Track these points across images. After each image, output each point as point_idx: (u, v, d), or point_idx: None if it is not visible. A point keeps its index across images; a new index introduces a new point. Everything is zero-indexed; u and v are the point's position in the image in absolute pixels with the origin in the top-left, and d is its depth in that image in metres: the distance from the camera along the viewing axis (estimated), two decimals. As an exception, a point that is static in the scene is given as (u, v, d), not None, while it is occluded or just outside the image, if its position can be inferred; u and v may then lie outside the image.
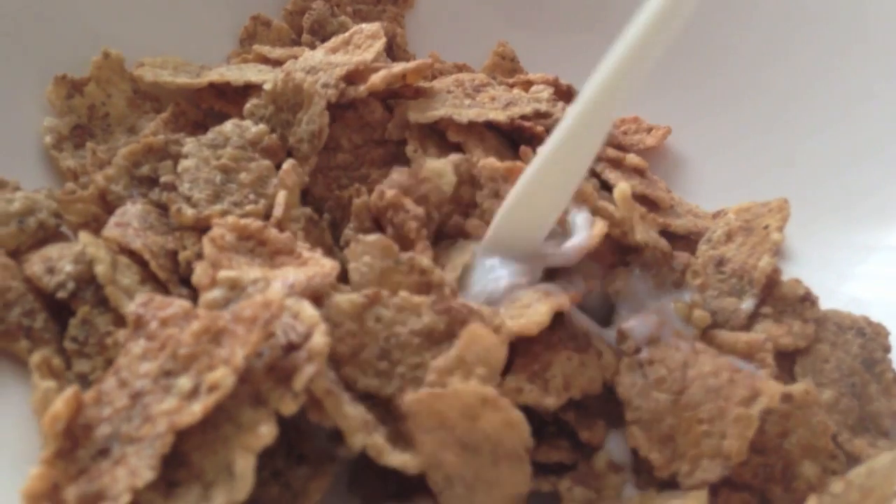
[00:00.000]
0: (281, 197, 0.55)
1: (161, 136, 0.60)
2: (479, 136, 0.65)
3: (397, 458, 0.43)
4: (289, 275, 0.47)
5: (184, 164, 0.57)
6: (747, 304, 0.58)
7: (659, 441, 0.50)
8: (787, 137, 0.74)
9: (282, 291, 0.44)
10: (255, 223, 0.51)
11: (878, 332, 0.59)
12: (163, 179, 0.57)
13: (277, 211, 0.54)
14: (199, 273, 0.47)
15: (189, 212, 0.54)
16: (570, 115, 0.48)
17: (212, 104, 0.67)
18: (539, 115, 0.68)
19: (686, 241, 0.67)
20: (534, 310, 0.51)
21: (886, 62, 0.72)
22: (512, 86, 0.76)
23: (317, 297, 0.48)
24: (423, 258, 0.53)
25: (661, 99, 0.75)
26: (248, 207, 0.56)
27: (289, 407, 0.41)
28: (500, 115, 0.66)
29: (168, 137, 0.60)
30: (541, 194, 0.53)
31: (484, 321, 0.50)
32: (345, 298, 0.49)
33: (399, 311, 0.49)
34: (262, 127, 0.61)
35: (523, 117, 0.67)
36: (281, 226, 0.54)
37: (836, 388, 0.56)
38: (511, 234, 0.55)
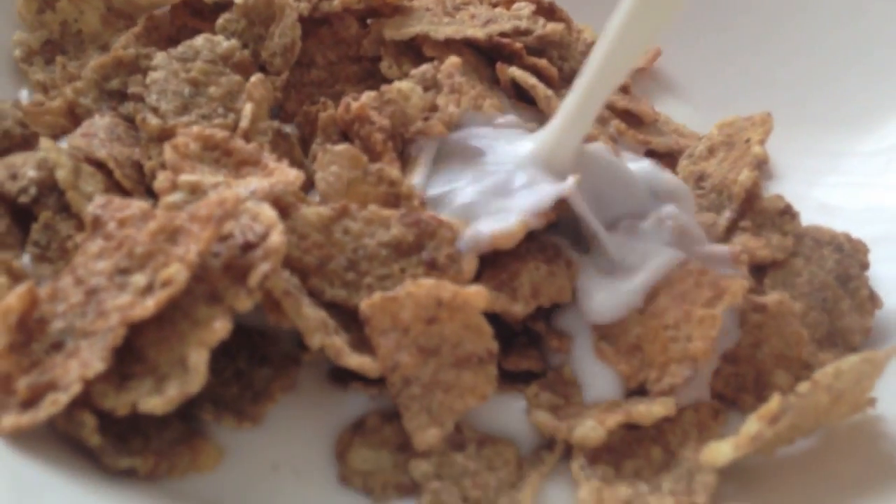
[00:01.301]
0: (247, 109, 0.54)
1: (132, 49, 0.59)
2: (456, 53, 0.64)
3: (356, 360, 0.43)
4: (251, 182, 0.47)
5: (152, 76, 0.56)
6: (725, 218, 0.57)
7: (626, 352, 0.50)
8: (770, 53, 0.73)
9: (241, 192, 0.44)
10: (220, 133, 0.51)
11: (857, 249, 0.57)
12: (130, 90, 0.56)
13: (244, 122, 0.54)
14: (161, 179, 0.47)
15: (154, 121, 0.53)
16: (605, 42, 0.51)
17: (185, 21, 0.66)
18: (518, 32, 0.67)
19: (669, 158, 0.65)
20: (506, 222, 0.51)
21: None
22: (495, 5, 0.74)
23: (282, 208, 0.48)
24: (392, 169, 0.52)
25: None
26: (217, 121, 0.55)
27: (243, 303, 0.41)
28: (478, 32, 0.65)
29: (139, 51, 0.59)
30: (579, 115, 0.54)
31: (455, 231, 0.49)
32: (312, 211, 0.48)
33: (367, 224, 0.49)
34: (233, 42, 0.60)
35: (502, 34, 0.66)
36: (247, 138, 0.53)
37: (805, 301, 0.55)
38: (552, 152, 0.55)
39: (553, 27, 0.68)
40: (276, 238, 0.42)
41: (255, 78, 0.57)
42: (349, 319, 0.47)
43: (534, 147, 0.55)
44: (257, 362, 0.46)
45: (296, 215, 0.48)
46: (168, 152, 0.48)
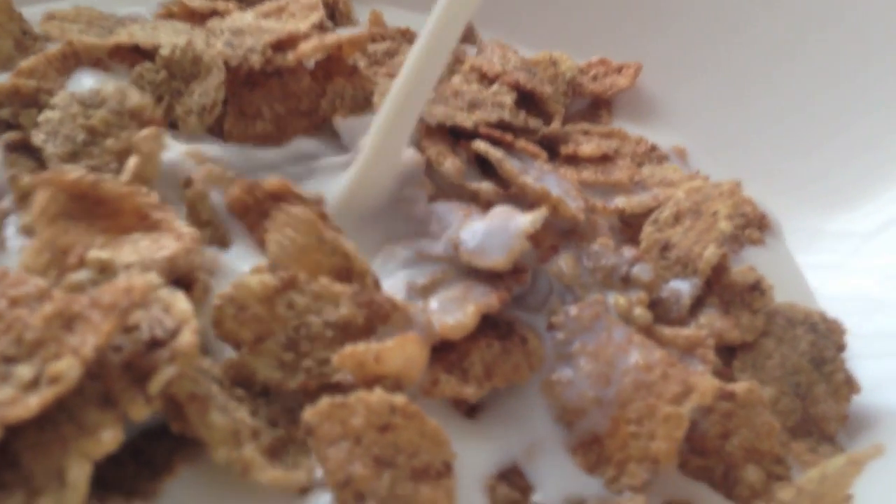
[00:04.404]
0: (131, 162, 0.49)
1: (33, 81, 0.55)
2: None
3: (269, 475, 0.38)
4: (142, 249, 0.42)
5: (47, 114, 0.52)
6: (690, 294, 0.53)
7: (584, 443, 0.46)
8: (755, 103, 0.70)
9: (153, 279, 0.39)
10: (87, 177, 0.45)
11: (833, 330, 0.54)
12: (5, 137, 0.52)
13: (124, 176, 0.49)
14: (29, 257, 0.42)
15: (26, 180, 0.48)
16: (416, 51, 0.52)
17: (123, 58, 0.62)
18: (503, 126, 0.64)
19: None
20: (461, 312, 0.47)
21: (857, 47, 0.66)
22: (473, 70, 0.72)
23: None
24: (347, 242, 0.48)
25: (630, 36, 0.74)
26: (107, 175, 0.50)
27: (139, 412, 0.36)
28: (467, 121, 0.62)
29: (40, 85, 0.55)
30: (394, 134, 0.54)
31: (409, 318, 0.46)
32: (256, 279, 0.44)
33: (315, 299, 0.45)
34: (146, 100, 0.55)
35: (489, 124, 0.63)
36: None
37: (777, 386, 0.51)
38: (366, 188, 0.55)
39: (533, 122, 0.66)
40: (187, 338, 0.37)
41: (148, 131, 0.51)
42: (279, 411, 0.43)
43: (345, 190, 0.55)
44: (157, 434, 0.41)
45: (236, 283, 0.43)
46: (40, 223, 0.43)
